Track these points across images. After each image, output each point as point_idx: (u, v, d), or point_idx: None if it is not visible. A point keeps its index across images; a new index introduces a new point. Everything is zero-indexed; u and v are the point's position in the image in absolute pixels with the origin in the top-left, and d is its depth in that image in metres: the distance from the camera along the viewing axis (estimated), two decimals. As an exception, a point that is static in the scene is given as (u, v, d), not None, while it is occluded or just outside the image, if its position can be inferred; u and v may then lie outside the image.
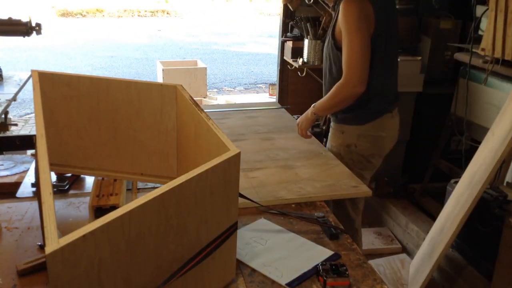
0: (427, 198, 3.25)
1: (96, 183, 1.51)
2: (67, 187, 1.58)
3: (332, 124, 2.09)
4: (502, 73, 2.44)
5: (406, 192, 3.33)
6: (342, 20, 1.82)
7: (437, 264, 2.19)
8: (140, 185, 1.62)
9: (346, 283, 1.14)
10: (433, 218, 2.71)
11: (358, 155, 2.01)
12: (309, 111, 1.99)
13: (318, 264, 1.18)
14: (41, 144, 0.99)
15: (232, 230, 1.07)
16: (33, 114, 1.63)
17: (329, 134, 2.11)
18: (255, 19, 15.98)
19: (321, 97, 2.22)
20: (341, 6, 1.83)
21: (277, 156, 1.91)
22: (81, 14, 15.35)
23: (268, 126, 2.28)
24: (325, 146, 2.16)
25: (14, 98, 2.73)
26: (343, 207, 2.08)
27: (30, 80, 2.39)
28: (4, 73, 3.16)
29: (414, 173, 3.39)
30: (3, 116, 2.74)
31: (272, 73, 8.66)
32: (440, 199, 2.69)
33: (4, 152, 2.35)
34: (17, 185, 1.65)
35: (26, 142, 2.27)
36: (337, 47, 1.93)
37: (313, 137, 2.18)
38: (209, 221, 0.99)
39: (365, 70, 1.82)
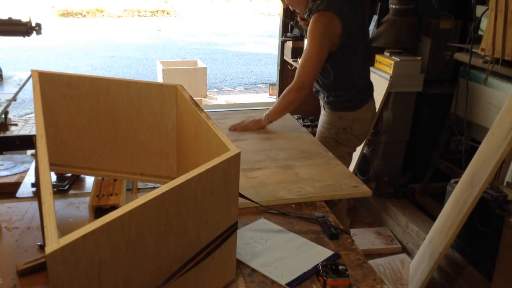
0: (427, 198, 3.25)
1: (96, 183, 1.51)
2: (67, 187, 1.58)
3: (327, 111, 2.36)
4: (502, 73, 2.44)
5: (406, 192, 3.33)
6: (308, 30, 2.11)
7: (437, 264, 2.20)
8: (140, 185, 1.62)
9: (346, 283, 1.14)
10: (433, 218, 2.71)
11: (352, 135, 2.33)
12: (261, 117, 2.23)
13: (318, 264, 1.18)
14: (41, 144, 0.99)
15: (232, 230, 1.07)
16: (33, 114, 1.63)
17: (324, 119, 2.39)
18: (255, 19, 15.98)
19: (318, 97, 2.35)
20: (311, 18, 2.10)
21: (277, 156, 1.91)
22: (81, 14, 15.34)
23: (268, 126, 2.28)
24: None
25: (14, 98, 2.73)
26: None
27: (30, 80, 2.39)
28: (4, 73, 3.16)
29: (414, 173, 3.38)
30: (3, 116, 2.74)
31: (272, 73, 8.66)
32: (440, 199, 2.69)
33: (4, 152, 2.35)
34: (17, 185, 1.65)
35: (26, 142, 2.28)
36: None
37: (313, 138, 2.18)
38: (209, 221, 0.99)
39: (313, 78, 2.18)
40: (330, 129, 2.35)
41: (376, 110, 2.63)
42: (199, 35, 12.88)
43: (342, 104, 2.31)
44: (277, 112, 2.22)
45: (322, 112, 2.46)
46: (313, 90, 2.38)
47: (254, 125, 2.22)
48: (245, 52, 10.99)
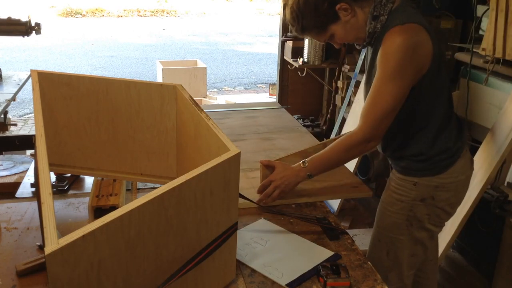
0: (427, 198, 3.24)
1: (95, 183, 1.51)
2: (66, 187, 1.58)
3: (395, 173, 1.62)
4: (503, 73, 2.43)
5: (406, 192, 3.32)
6: (381, 54, 1.41)
7: (437, 264, 2.19)
8: (140, 185, 1.62)
9: (346, 283, 1.13)
10: (434, 218, 2.70)
11: (436, 208, 1.58)
12: (300, 170, 1.51)
13: (318, 265, 1.18)
14: (41, 144, 0.99)
15: (232, 230, 1.07)
16: (33, 114, 1.63)
17: (389, 185, 1.63)
18: (255, 19, 15.98)
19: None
20: (384, 43, 1.40)
21: (277, 156, 1.90)
22: (81, 14, 15.34)
23: (268, 126, 2.27)
24: None
25: (13, 98, 2.73)
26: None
27: (30, 80, 2.39)
28: (4, 73, 3.16)
29: (414, 173, 3.38)
30: (2, 116, 2.74)
31: (272, 73, 8.65)
32: (441, 199, 2.68)
33: (3, 152, 2.35)
34: (16, 185, 1.65)
35: (25, 142, 2.27)
36: None
37: (313, 138, 2.18)
38: (209, 222, 0.99)
39: (387, 125, 1.45)
40: (397, 200, 1.59)
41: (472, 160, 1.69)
42: (198, 35, 12.88)
43: (418, 164, 1.55)
44: (328, 167, 1.54)
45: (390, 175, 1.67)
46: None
47: (293, 186, 1.52)
48: (245, 52, 10.99)
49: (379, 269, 1.34)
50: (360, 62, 3.26)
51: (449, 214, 1.63)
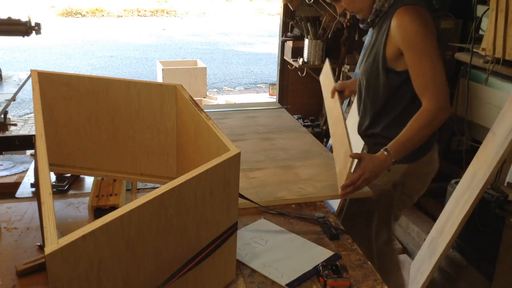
0: (428, 199, 3.24)
1: (95, 183, 1.51)
2: (66, 187, 1.58)
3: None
4: (503, 73, 2.43)
5: (406, 192, 3.32)
6: (407, 36, 1.50)
7: (437, 264, 2.19)
8: (140, 185, 1.62)
9: (346, 283, 1.13)
10: (434, 218, 2.70)
11: (404, 194, 1.74)
12: (386, 160, 1.52)
13: (318, 265, 1.18)
14: (41, 144, 0.99)
15: (232, 230, 1.07)
16: (33, 114, 1.63)
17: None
18: (255, 19, 15.98)
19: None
20: (397, 21, 1.52)
21: (277, 156, 1.91)
22: (81, 14, 15.33)
23: (268, 126, 2.27)
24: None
25: (13, 98, 2.73)
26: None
27: (30, 80, 2.39)
28: (4, 73, 3.16)
29: (414, 173, 3.38)
30: (2, 116, 2.74)
31: (272, 73, 8.65)
32: (441, 199, 2.68)
33: (3, 152, 2.35)
34: (16, 185, 1.65)
35: (25, 142, 2.27)
36: (389, 69, 1.61)
37: (313, 138, 2.18)
38: (209, 222, 0.99)
39: (448, 91, 1.55)
40: (374, 183, 1.65)
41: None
42: (198, 35, 12.88)
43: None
44: (410, 147, 1.55)
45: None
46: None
47: (377, 173, 1.53)
48: (245, 52, 10.99)
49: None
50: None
51: (412, 202, 1.82)
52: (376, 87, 1.67)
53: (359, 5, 1.62)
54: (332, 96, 1.95)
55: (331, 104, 2.05)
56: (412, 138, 1.54)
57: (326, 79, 2.17)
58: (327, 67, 2.18)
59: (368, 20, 1.63)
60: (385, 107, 1.67)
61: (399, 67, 1.58)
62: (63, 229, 1.29)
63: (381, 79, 1.64)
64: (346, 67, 3.53)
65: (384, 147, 1.53)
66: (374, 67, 1.64)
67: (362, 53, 1.78)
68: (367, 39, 1.87)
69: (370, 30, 1.76)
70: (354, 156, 1.52)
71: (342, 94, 1.94)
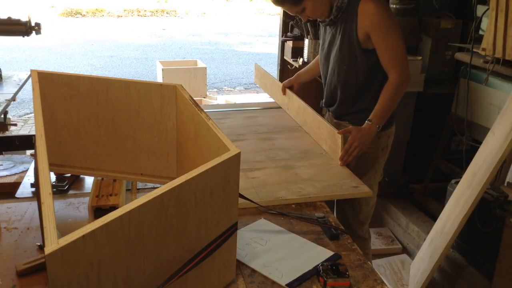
0: (428, 199, 3.24)
1: (95, 183, 1.51)
2: (66, 187, 1.58)
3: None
4: (502, 73, 2.43)
5: (407, 192, 3.32)
6: (375, 19, 1.78)
7: (437, 264, 2.19)
8: (140, 185, 1.62)
9: (346, 283, 1.13)
10: (434, 218, 2.70)
11: (386, 156, 2.08)
12: (370, 128, 1.82)
13: (318, 265, 1.18)
14: (41, 144, 0.99)
15: (232, 230, 1.07)
16: (33, 114, 1.63)
17: None
18: (255, 19, 15.97)
19: (320, 97, 2.22)
20: (364, 9, 1.79)
21: (277, 156, 1.91)
22: (81, 14, 15.33)
23: (268, 126, 2.27)
24: None
25: (13, 98, 2.73)
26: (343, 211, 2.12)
27: (30, 80, 2.39)
28: (4, 73, 3.16)
29: (415, 173, 3.38)
30: (2, 116, 2.74)
31: (272, 73, 8.63)
32: (441, 199, 2.68)
33: (3, 152, 2.35)
34: (16, 185, 1.65)
35: (25, 142, 2.27)
36: (364, 50, 1.87)
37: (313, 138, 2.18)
38: (209, 222, 0.99)
39: (408, 65, 1.88)
40: (366, 150, 1.90)
41: None
42: (198, 35, 12.88)
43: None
44: (386, 115, 1.88)
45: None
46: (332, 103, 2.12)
47: (366, 141, 1.82)
48: (245, 51, 10.99)
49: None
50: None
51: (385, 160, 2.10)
52: (356, 68, 1.92)
53: (320, 12, 1.89)
54: (284, 93, 2.36)
55: (285, 100, 2.39)
56: (388, 105, 1.86)
57: (265, 79, 2.56)
58: (258, 69, 2.54)
59: (332, 17, 1.88)
60: (368, 84, 1.93)
61: (370, 47, 1.85)
62: (63, 229, 1.29)
63: (359, 60, 1.89)
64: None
65: (368, 119, 1.83)
66: (351, 52, 1.90)
67: (323, 48, 2.05)
68: (321, 37, 2.11)
69: (322, 28, 2.06)
70: (342, 132, 1.80)
71: (291, 89, 2.34)
